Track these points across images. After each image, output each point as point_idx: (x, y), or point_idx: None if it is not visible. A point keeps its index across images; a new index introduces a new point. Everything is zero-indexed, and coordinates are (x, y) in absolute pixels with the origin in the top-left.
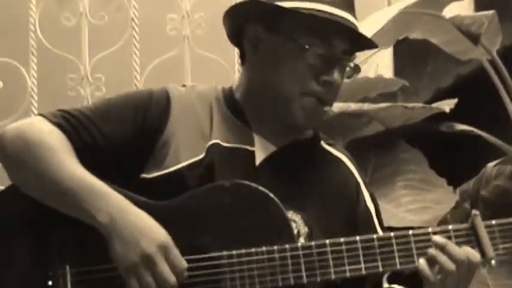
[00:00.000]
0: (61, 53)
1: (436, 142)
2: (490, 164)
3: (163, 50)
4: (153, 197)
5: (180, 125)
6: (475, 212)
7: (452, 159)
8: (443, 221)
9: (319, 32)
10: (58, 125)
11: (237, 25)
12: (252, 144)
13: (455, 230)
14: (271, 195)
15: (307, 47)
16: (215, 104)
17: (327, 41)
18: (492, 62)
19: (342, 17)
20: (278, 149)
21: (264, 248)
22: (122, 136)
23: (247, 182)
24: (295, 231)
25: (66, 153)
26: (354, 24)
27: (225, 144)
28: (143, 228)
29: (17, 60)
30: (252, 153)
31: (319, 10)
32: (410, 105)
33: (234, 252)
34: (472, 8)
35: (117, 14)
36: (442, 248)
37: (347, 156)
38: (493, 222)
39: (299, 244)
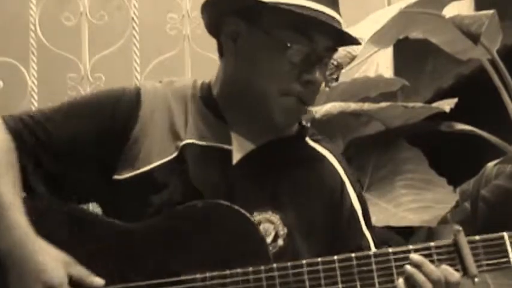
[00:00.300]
0: (61, 53)
1: (436, 142)
2: (490, 164)
3: (163, 49)
4: (127, 198)
5: (151, 124)
6: (457, 227)
7: (453, 159)
8: (444, 221)
9: (302, 29)
10: (14, 130)
11: (216, 17)
12: (229, 143)
13: (437, 247)
14: (246, 213)
15: (289, 45)
16: (191, 101)
17: (309, 38)
18: (492, 62)
19: (325, 14)
20: (257, 148)
21: (238, 270)
22: (85, 136)
23: (220, 201)
24: (273, 233)
25: (2, 169)
26: (338, 21)
27: (200, 143)
28: (35, 267)
29: (17, 60)
30: (229, 152)
31: (302, 6)
32: (411, 104)
33: (207, 274)
34: (472, 8)
35: (117, 14)
36: (418, 267)
37: (333, 154)
38: (477, 238)
39: (274, 265)
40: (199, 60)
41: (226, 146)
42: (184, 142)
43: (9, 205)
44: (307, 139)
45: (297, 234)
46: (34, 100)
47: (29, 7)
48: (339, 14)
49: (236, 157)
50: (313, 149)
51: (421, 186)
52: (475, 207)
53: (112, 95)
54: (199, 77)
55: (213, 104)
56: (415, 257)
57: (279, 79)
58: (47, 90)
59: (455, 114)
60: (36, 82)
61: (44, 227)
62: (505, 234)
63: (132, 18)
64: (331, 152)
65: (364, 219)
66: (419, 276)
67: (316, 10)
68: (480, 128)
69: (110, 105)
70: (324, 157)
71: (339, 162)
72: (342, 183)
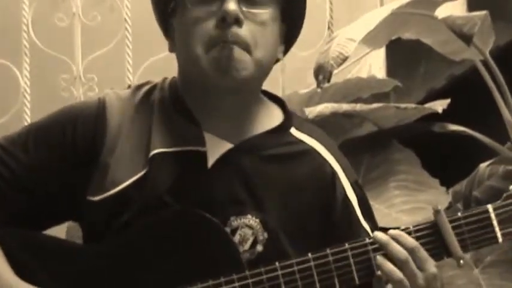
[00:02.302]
0: (54, 54)
1: (429, 143)
2: (483, 165)
3: (156, 50)
4: (105, 218)
5: (119, 140)
6: (436, 208)
7: (445, 160)
8: None
9: None
10: None
11: (164, 27)
12: (203, 145)
13: (416, 231)
14: (211, 218)
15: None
16: (158, 106)
17: None
18: (485, 63)
19: None
20: (235, 147)
21: (210, 282)
22: (48, 168)
23: (182, 208)
24: (251, 239)
25: None
26: None
27: (170, 150)
28: None
29: (9, 61)
30: (204, 154)
31: None
32: (403, 105)
33: None
34: (465, 9)
35: (110, 15)
36: (385, 247)
37: (322, 143)
38: (459, 214)
39: (247, 272)
40: None
41: (200, 149)
42: (152, 153)
43: None
44: (293, 130)
45: (282, 236)
46: (27, 101)
47: (22, 8)
48: None
49: (211, 159)
50: (299, 141)
51: (413, 188)
52: (467, 208)
53: (72, 117)
54: None
55: (181, 102)
56: (378, 235)
57: (200, 39)
58: (40, 91)
59: (447, 115)
60: (28, 83)
61: (16, 262)
62: (490, 207)
63: (125, 19)
64: (319, 141)
65: (362, 209)
66: (388, 265)
67: None
68: (473, 129)
69: (70, 130)
70: (311, 148)
71: (329, 150)
72: (333, 173)
